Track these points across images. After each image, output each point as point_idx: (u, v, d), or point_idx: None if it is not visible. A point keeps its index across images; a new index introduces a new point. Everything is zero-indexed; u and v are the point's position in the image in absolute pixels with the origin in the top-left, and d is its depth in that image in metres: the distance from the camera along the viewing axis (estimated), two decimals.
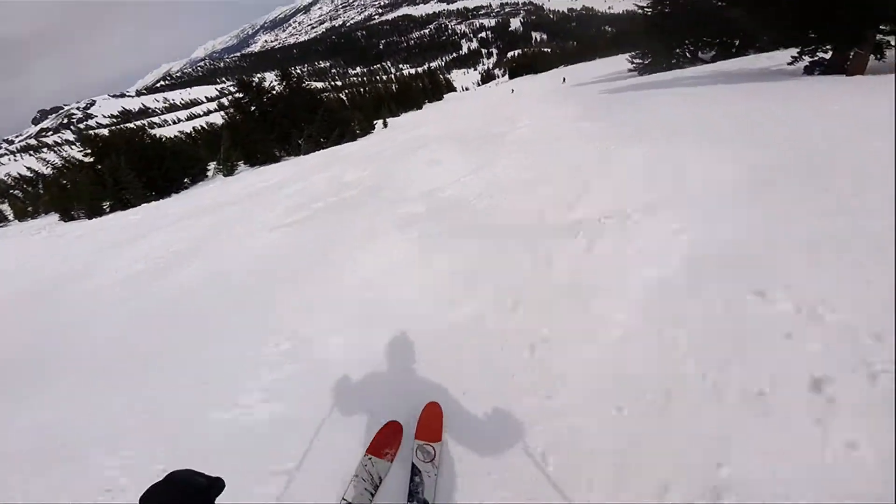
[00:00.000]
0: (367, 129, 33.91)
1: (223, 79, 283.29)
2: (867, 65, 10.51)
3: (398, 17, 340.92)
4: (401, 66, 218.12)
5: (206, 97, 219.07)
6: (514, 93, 36.67)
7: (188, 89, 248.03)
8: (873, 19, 9.80)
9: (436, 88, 65.00)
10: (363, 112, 37.29)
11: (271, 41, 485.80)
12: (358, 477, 1.76)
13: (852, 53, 10.79)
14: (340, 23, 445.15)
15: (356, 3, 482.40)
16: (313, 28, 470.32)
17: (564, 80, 38.76)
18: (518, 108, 14.35)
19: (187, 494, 0.83)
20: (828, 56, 12.30)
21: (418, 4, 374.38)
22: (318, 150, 21.68)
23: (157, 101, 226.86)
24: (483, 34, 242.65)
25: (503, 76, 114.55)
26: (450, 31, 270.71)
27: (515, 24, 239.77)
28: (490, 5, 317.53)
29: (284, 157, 24.47)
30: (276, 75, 27.40)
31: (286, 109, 24.77)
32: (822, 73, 11.71)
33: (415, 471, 1.76)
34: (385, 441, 1.91)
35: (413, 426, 1.94)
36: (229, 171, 23.22)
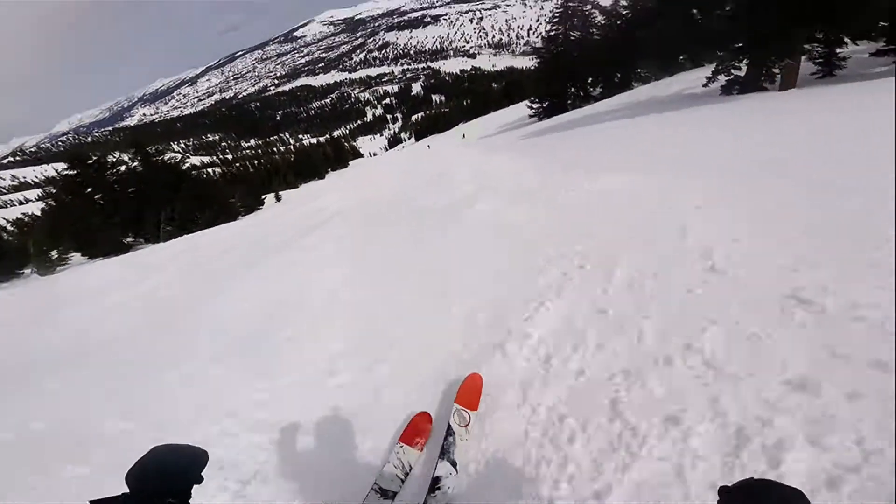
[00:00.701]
0: (255, 204, 31.76)
1: (91, 154, 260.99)
2: (798, 76, 10.03)
3: (296, 87, 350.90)
4: (301, 136, 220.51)
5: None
6: (430, 148, 37.83)
7: (45, 166, 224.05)
8: (809, 21, 9.15)
9: (340, 156, 65.24)
10: (250, 186, 35.43)
11: (150, 114, 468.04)
12: (390, 463, 1.95)
13: (782, 65, 10.09)
14: (231, 95, 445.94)
15: (249, 76, 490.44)
16: (200, 101, 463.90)
17: (464, 135, 41.16)
18: (446, 163, 13.71)
19: (171, 470, 0.88)
20: (742, 73, 11.58)
21: (318, 74, 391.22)
22: (187, 233, 19.01)
23: (3, 179, 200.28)
24: (387, 100, 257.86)
25: (409, 139, 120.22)
26: (353, 100, 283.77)
27: (417, 88, 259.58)
28: (392, 72, 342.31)
29: (139, 244, 21.19)
30: (132, 151, 24.72)
31: (141, 188, 21.91)
32: (740, 91, 11.16)
33: (449, 431, 1.99)
34: (416, 431, 2.10)
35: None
36: (46, 268, 18.74)
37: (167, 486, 0.86)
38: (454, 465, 1.89)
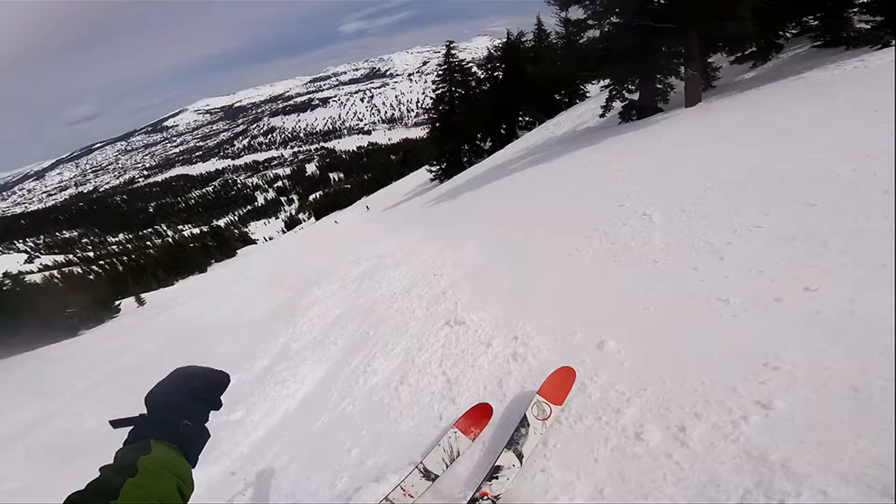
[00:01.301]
0: (105, 313, 25.68)
1: None
2: (702, 90, 9.91)
3: (171, 177, 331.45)
4: (180, 226, 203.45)
5: None
6: (337, 223, 35.21)
7: None
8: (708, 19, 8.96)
9: (223, 244, 58.97)
10: (95, 292, 28.68)
11: None
12: (440, 447, 2.02)
13: (686, 77, 9.70)
14: (91, 188, 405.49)
15: (111, 167, 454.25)
16: (50, 195, 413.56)
17: (368, 207, 40.20)
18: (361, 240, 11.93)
19: (188, 393, 0.91)
20: (635, 96, 11.53)
21: (196, 163, 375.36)
22: None
23: None
24: (279, 183, 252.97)
25: (309, 219, 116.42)
26: (239, 185, 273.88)
27: (311, 168, 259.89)
28: (282, 155, 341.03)
29: None
30: None
31: None
32: (639, 115, 10.92)
33: (523, 423, 1.93)
34: (473, 420, 2.15)
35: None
36: None
37: (183, 409, 0.88)
38: (520, 457, 1.84)
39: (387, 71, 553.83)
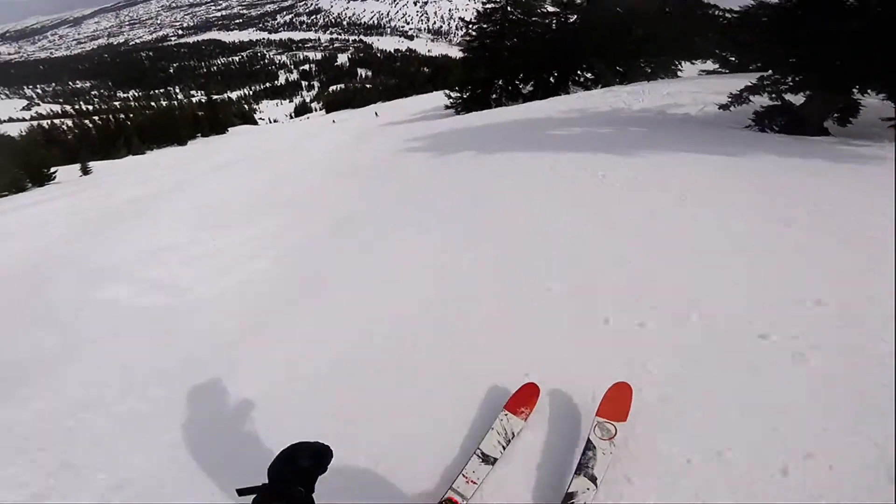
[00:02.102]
0: (36, 180, 21.95)
1: None
2: None
3: (203, 40, 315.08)
4: (193, 92, 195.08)
5: None
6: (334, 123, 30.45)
7: None
8: None
9: (215, 120, 53.66)
10: (37, 156, 24.06)
11: (8, 54, 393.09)
12: (494, 430, 1.97)
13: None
14: (122, 40, 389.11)
15: (150, 22, 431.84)
16: (80, 44, 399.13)
17: (377, 114, 36.42)
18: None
19: (302, 462, 1.07)
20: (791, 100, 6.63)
21: (233, 30, 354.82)
22: None
23: None
24: (306, 66, 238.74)
25: (321, 109, 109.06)
26: (266, 61, 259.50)
27: (343, 59, 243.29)
28: (318, 39, 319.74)
29: None
30: None
31: None
32: (784, 129, 6.44)
33: (588, 446, 1.87)
34: (522, 400, 2.12)
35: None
36: None
37: (298, 476, 1.05)
38: (594, 480, 1.77)
39: None
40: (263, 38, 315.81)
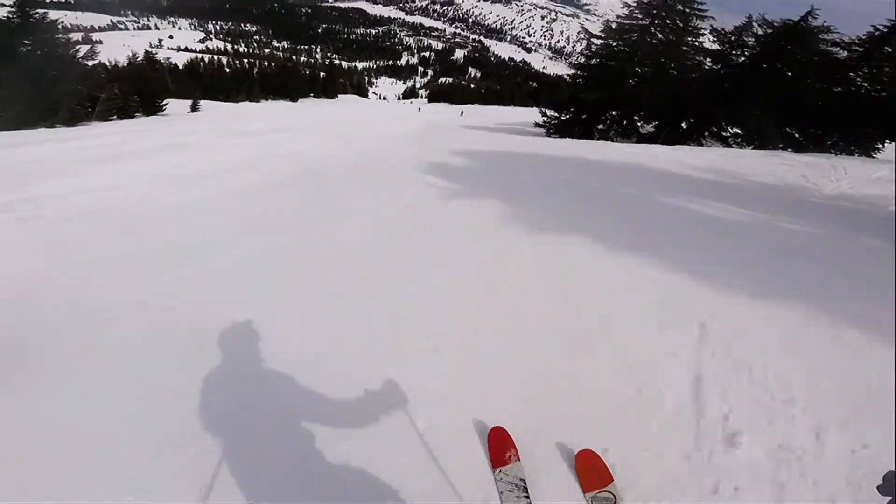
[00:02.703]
0: (150, 109, 22.56)
1: (126, 11, 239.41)
2: None
3: (352, 7, 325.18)
4: (329, 54, 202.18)
5: (96, 26, 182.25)
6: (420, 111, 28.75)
7: (76, 13, 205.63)
8: None
9: (330, 84, 54.65)
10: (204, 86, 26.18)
11: None
12: (503, 493, 1.70)
13: None
14: None
15: None
16: None
17: (462, 113, 35.18)
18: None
19: None
20: None
21: (378, 4, 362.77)
22: None
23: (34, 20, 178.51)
24: (426, 53, 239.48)
25: (425, 97, 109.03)
26: (396, 40, 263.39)
27: (459, 55, 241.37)
28: (444, 31, 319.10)
29: None
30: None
31: None
32: None
33: None
34: (500, 448, 1.84)
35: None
36: None
37: None
38: None
39: (585, 4, 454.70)
40: (400, 18, 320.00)
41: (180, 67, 47.01)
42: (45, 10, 19.04)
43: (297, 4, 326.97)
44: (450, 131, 14.07)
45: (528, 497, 1.66)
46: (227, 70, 47.99)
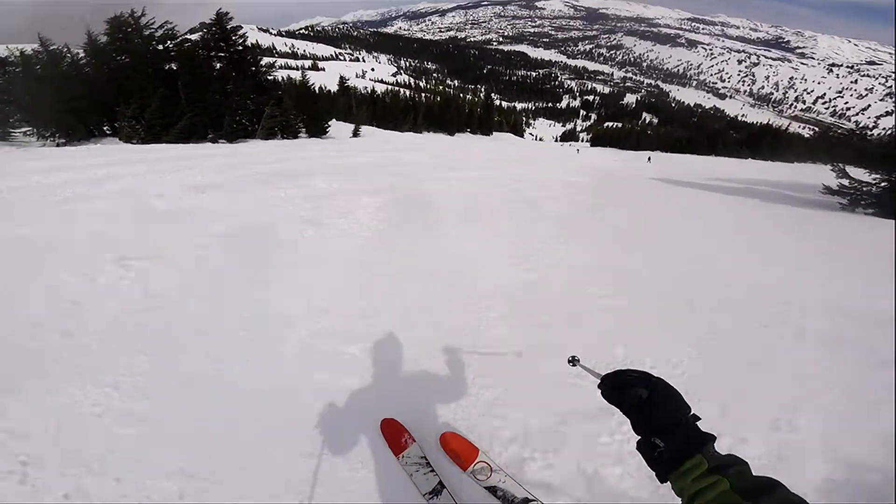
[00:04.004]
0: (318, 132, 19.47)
1: (346, 45, 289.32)
2: None
3: (513, 51, 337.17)
4: (492, 94, 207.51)
5: (322, 55, 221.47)
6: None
7: (313, 44, 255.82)
8: None
9: (486, 120, 49.70)
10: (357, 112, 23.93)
11: (404, 29, 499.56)
12: (412, 476, 1.73)
13: None
14: (463, 36, 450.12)
15: (483, 25, 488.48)
16: (441, 31, 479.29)
17: (650, 159, 31.24)
18: None
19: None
20: None
21: (538, 47, 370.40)
22: None
23: (286, 46, 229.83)
24: (590, 97, 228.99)
25: (587, 140, 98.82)
26: (557, 83, 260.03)
27: (630, 99, 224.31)
28: (611, 74, 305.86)
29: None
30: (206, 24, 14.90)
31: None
32: None
33: (493, 491, 1.70)
34: (395, 434, 1.85)
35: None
36: None
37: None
38: (513, 500, 1.65)
39: (798, 48, 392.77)
40: (561, 61, 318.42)
41: (363, 94, 47.26)
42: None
43: (468, 46, 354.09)
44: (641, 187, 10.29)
45: (433, 470, 1.72)
46: (400, 100, 46.58)
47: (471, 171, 9.50)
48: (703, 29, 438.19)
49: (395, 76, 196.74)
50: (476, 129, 46.38)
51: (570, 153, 31.85)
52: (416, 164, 9.84)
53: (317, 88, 25.66)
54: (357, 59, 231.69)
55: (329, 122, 22.83)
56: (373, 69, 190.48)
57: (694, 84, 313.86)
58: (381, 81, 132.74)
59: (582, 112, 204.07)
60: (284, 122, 18.47)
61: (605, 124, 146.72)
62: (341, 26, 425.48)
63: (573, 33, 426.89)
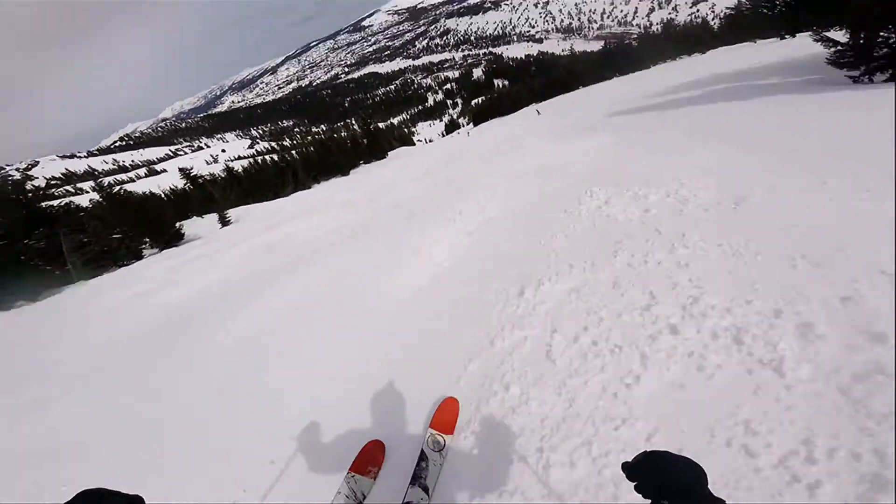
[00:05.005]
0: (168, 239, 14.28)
1: (180, 139, 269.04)
2: None
3: (364, 74, 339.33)
4: (367, 120, 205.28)
5: (156, 158, 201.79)
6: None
7: (140, 150, 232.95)
8: None
9: (374, 145, 46.82)
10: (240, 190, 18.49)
11: (238, 101, 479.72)
12: (341, 493, 1.76)
13: None
14: (307, 82, 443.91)
15: (323, 64, 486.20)
16: (280, 88, 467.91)
17: (538, 112, 30.54)
18: None
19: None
20: None
21: (384, 62, 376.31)
22: None
23: (106, 163, 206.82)
24: (448, 86, 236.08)
25: (468, 124, 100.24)
26: (416, 86, 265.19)
27: (478, 73, 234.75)
28: (454, 58, 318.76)
29: None
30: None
31: None
32: None
33: (422, 456, 1.83)
34: (368, 459, 1.91)
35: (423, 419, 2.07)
36: None
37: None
38: (426, 490, 1.73)
39: None
40: (409, 66, 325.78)
41: (223, 178, 41.47)
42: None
43: (317, 89, 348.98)
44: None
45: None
46: (270, 164, 41.65)
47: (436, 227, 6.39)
48: None
49: (252, 147, 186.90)
50: (370, 158, 43.17)
51: (464, 139, 30.15)
52: (314, 240, 6.82)
53: (158, 190, 20.77)
54: (200, 148, 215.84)
55: (181, 224, 18.29)
56: (223, 150, 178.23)
57: (515, 38, 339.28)
58: (240, 158, 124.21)
59: (448, 101, 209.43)
60: (106, 247, 13.95)
61: (472, 102, 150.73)
62: (162, 125, 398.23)
63: (407, 36, 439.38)
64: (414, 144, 74.17)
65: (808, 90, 7.11)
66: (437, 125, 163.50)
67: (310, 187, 37.20)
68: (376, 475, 1.86)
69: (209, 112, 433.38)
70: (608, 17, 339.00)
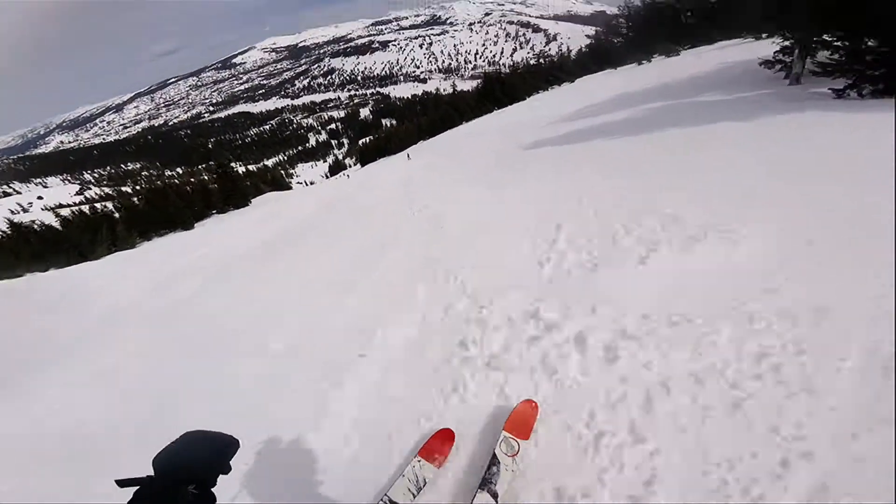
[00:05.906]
0: None
1: None
2: None
3: (233, 114, 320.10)
4: (233, 164, 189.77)
5: None
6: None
7: None
8: None
9: (232, 192, 40.13)
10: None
11: (69, 142, 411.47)
12: (404, 477, 1.82)
13: None
14: (162, 121, 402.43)
15: (182, 102, 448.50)
16: (126, 128, 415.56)
17: (409, 157, 30.71)
18: None
19: (197, 457, 0.81)
20: None
21: (258, 101, 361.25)
22: None
23: None
24: (333, 126, 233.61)
25: (355, 164, 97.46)
26: (295, 126, 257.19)
27: (365, 112, 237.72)
28: (339, 98, 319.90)
29: None
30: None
31: None
32: None
33: (493, 461, 1.80)
34: (436, 447, 1.96)
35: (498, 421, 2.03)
36: None
37: (190, 474, 0.81)
38: (495, 496, 1.69)
39: (447, 19, 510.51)
40: (288, 105, 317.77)
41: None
42: None
43: (173, 129, 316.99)
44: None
45: (415, 495, 1.82)
46: (76, 216, 32.05)
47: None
48: (385, 29, 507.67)
49: (80, 193, 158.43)
50: (226, 207, 36.33)
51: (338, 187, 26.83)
52: None
53: None
54: (8, 194, 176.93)
55: None
56: (39, 197, 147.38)
57: (402, 78, 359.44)
58: (60, 206, 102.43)
59: (333, 142, 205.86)
60: None
61: (360, 142, 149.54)
62: None
63: (286, 75, 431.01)
64: (290, 188, 67.95)
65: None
66: (320, 165, 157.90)
67: (134, 246, 29.50)
68: (442, 464, 1.92)
69: (27, 153, 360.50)
70: (480, 57, 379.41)
